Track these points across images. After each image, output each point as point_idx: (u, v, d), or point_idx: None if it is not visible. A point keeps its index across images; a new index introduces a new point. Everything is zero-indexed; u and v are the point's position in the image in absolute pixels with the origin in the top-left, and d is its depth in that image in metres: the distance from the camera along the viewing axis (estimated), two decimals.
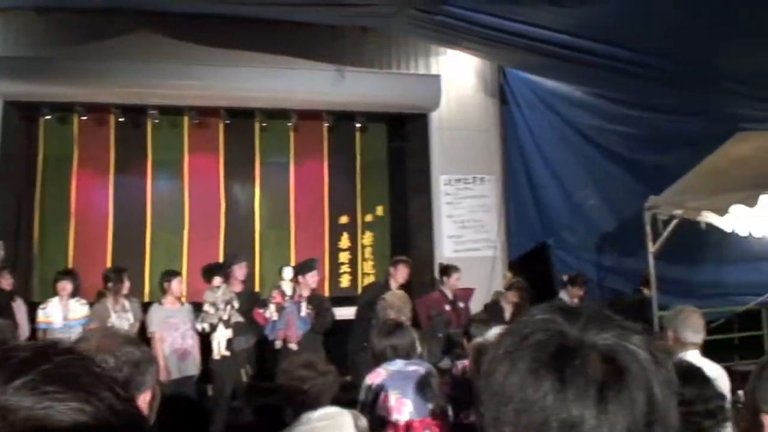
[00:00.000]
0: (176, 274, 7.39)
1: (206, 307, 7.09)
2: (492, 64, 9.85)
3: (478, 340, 4.85)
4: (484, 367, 0.92)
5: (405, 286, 7.58)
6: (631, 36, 5.83)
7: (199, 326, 7.09)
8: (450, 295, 7.83)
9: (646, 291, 7.77)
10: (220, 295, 7.14)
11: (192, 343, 7.13)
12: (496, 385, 0.89)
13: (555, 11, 5.43)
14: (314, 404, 3.17)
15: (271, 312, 7.20)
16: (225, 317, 7.08)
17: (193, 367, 7.12)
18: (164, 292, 7.21)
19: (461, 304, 7.82)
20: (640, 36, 5.80)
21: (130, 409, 0.75)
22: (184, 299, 7.66)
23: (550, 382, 0.84)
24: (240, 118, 9.47)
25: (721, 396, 2.61)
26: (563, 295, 8.39)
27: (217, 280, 7.19)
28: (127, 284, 7.24)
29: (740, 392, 1.61)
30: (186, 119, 9.35)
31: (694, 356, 3.84)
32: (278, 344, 7.16)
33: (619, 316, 0.93)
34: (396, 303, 5.63)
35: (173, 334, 7.03)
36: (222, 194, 9.60)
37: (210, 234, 9.39)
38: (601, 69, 6.52)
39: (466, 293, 8.13)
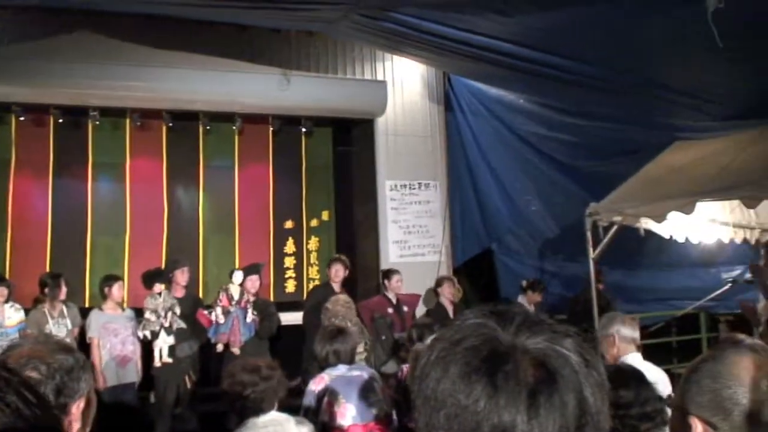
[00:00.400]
0: (117, 278, 7.25)
1: (147, 315, 6.99)
2: (437, 71, 9.93)
3: (418, 345, 4.88)
4: (417, 371, 0.92)
5: (350, 290, 7.60)
6: (574, 46, 5.93)
7: (140, 333, 6.99)
8: (393, 299, 7.91)
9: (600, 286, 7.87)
10: (161, 302, 7.04)
11: (132, 349, 7.01)
12: (428, 390, 0.88)
13: (500, 20, 5.49)
14: (257, 409, 3.14)
15: (216, 314, 7.15)
16: (167, 324, 6.98)
17: (133, 374, 7.00)
18: (105, 297, 7.08)
19: (406, 309, 7.89)
20: (583, 46, 5.91)
21: (41, 415, 0.73)
22: (125, 304, 7.51)
23: (481, 387, 0.84)
24: (184, 120, 9.29)
25: (659, 398, 2.66)
26: (522, 300, 8.54)
27: (158, 287, 7.09)
28: (64, 289, 7.08)
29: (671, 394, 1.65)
30: (128, 121, 9.16)
31: (635, 359, 3.89)
32: (220, 348, 7.12)
33: (550, 320, 0.93)
34: (340, 311, 5.63)
35: (113, 340, 6.90)
36: (165, 198, 9.42)
37: (152, 238, 9.22)
38: (544, 78, 6.61)
39: (413, 299, 8.21)
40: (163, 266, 7.98)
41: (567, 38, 5.81)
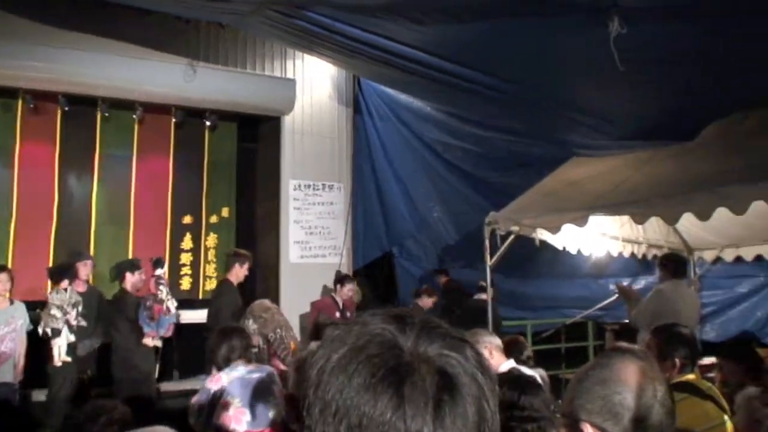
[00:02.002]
0: (3, 268, 6.87)
1: (53, 311, 6.68)
2: (347, 73, 9.93)
3: (301, 353, 4.82)
4: (314, 377, 0.90)
5: (250, 289, 7.49)
6: (483, 59, 6.04)
7: (41, 330, 6.67)
8: (340, 304, 8.17)
9: (483, 296, 8.07)
10: (68, 298, 6.75)
11: (12, 347, 6.63)
12: (328, 397, 0.86)
13: (413, 28, 5.52)
14: None
15: (168, 306, 7.19)
16: (73, 321, 6.71)
17: (9, 373, 6.62)
18: None
19: (348, 314, 8.10)
20: (493, 61, 6.02)
21: None
22: (8, 297, 7.09)
23: (388, 398, 0.83)
24: (81, 105, 8.89)
25: (546, 402, 2.75)
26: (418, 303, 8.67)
27: (65, 282, 6.79)
28: None
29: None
30: (20, 103, 8.67)
31: (510, 365, 4.05)
32: (149, 342, 7.06)
33: (447, 326, 0.93)
34: (281, 320, 5.28)
35: None
36: (56, 185, 8.94)
37: (40, 227, 8.74)
38: (453, 88, 6.70)
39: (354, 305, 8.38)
40: (53, 259, 7.65)
41: (476, 51, 5.90)
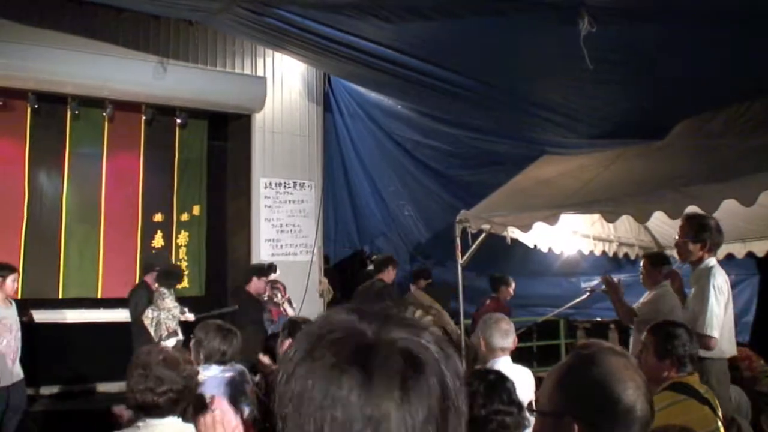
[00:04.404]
0: (12, 270, 6.72)
1: (174, 311, 7.38)
2: (318, 71, 9.90)
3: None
4: (283, 370, 0.91)
5: (221, 287, 7.47)
6: (451, 58, 6.04)
7: (152, 331, 7.23)
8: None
9: (413, 287, 8.27)
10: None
11: (17, 345, 6.61)
12: (297, 386, 0.87)
13: (381, 26, 5.51)
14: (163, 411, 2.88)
15: (284, 307, 7.82)
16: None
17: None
18: None
19: None
20: (460, 59, 6.03)
21: None
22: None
23: (353, 378, 0.84)
24: (50, 103, 8.83)
25: (519, 405, 2.76)
26: None
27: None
28: None
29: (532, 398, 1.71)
30: None
31: (505, 363, 3.95)
32: None
33: (410, 317, 0.96)
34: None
35: (8, 336, 6.45)
36: (26, 183, 8.85)
37: (10, 225, 8.65)
38: (422, 86, 6.70)
39: None
40: (23, 257, 7.56)
41: (446, 50, 5.90)
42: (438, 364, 0.89)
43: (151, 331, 7.28)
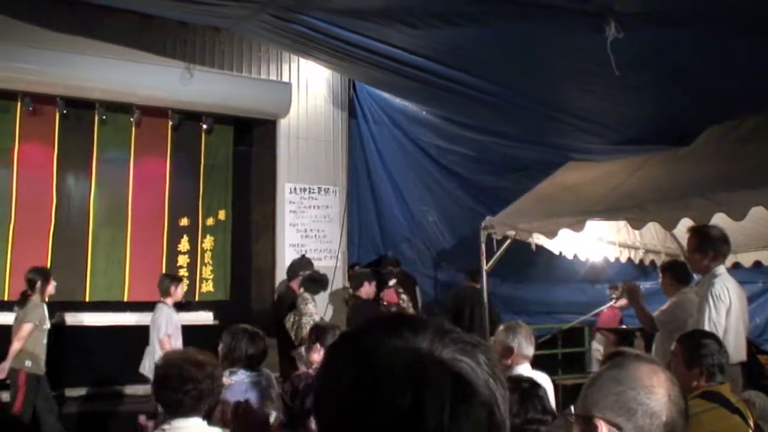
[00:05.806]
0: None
1: (315, 317, 7.40)
2: (343, 76, 9.94)
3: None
4: (324, 378, 0.92)
5: (245, 292, 7.46)
6: (478, 64, 6.03)
7: (293, 334, 7.46)
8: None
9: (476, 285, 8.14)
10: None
11: None
12: (343, 395, 0.87)
13: (408, 32, 5.53)
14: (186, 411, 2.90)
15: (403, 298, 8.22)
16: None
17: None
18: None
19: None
20: (487, 65, 6.02)
21: None
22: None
23: (405, 401, 0.82)
24: (78, 108, 8.95)
25: (552, 413, 2.75)
26: None
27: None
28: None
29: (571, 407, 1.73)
30: (18, 105, 8.68)
31: (526, 369, 3.95)
32: None
33: (458, 329, 0.93)
34: None
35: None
36: (54, 188, 8.97)
37: (38, 229, 8.76)
38: (447, 92, 6.70)
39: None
40: (50, 261, 7.69)
41: (472, 56, 5.90)
42: (488, 388, 0.87)
43: (292, 334, 7.44)
